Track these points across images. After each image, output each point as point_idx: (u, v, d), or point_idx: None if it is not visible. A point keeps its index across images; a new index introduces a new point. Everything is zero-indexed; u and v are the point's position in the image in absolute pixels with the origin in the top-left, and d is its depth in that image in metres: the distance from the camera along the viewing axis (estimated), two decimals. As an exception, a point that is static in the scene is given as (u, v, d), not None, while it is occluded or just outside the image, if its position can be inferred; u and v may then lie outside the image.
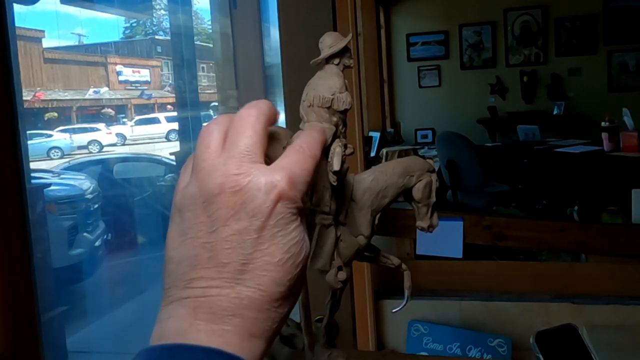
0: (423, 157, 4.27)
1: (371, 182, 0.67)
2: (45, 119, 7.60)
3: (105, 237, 4.32)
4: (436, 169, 0.74)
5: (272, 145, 0.65)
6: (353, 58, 0.67)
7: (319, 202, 0.64)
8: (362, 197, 0.67)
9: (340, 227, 0.66)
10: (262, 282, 0.35)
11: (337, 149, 0.63)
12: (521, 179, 3.66)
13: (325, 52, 0.66)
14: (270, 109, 0.42)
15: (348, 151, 0.67)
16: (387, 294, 1.57)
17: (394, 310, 0.77)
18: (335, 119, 0.65)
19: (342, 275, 0.64)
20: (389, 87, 5.68)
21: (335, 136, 0.65)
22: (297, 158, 0.40)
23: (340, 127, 0.66)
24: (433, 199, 0.68)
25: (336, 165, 0.62)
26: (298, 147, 0.41)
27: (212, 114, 5.69)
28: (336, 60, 0.65)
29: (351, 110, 0.65)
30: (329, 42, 0.66)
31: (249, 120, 0.39)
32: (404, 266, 0.73)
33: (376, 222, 0.68)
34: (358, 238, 0.67)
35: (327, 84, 0.65)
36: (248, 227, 0.35)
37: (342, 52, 0.65)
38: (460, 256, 1.46)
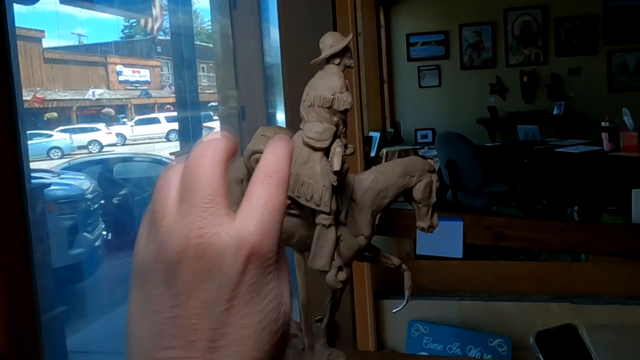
0: (423, 157, 4.26)
1: (371, 183, 0.67)
2: (45, 119, 7.60)
3: (105, 237, 4.32)
4: (436, 169, 0.72)
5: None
6: (353, 58, 0.66)
7: (320, 202, 0.64)
8: (363, 197, 0.67)
9: (341, 227, 0.66)
10: (236, 358, 0.31)
11: (337, 149, 0.62)
12: (521, 179, 3.66)
13: (325, 52, 0.66)
14: (228, 142, 0.35)
15: (348, 151, 0.66)
16: (387, 294, 1.57)
17: (394, 311, 0.77)
18: (335, 118, 0.65)
19: (342, 275, 0.64)
20: (389, 87, 5.68)
21: (335, 136, 0.65)
22: (263, 195, 0.33)
23: (341, 127, 0.66)
24: (433, 199, 0.68)
25: (336, 166, 0.62)
26: (263, 177, 0.34)
27: (212, 114, 5.69)
28: (337, 60, 0.65)
29: (351, 110, 0.65)
30: (330, 42, 0.66)
31: (206, 163, 0.33)
32: (404, 266, 0.73)
33: (376, 222, 0.68)
34: (358, 238, 0.67)
35: (328, 84, 0.64)
36: (217, 298, 0.31)
37: (343, 52, 0.65)
38: (460, 256, 1.46)
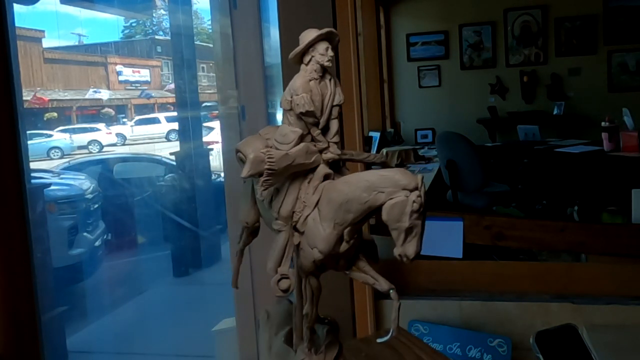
0: (423, 157, 4.25)
1: (334, 193, 0.61)
2: (45, 119, 7.59)
3: (105, 237, 4.32)
4: (420, 185, 0.57)
5: (253, 144, 0.64)
6: (332, 55, 0.61)
7: (273, 207, 0.62)
8: (325, 207, 0.61)
9: (301, 235, 0.63)
10: None
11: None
12: (521, 179, 3.65)
13: (293, 51, 0.63)
14: None
15: (326, 156, 0.63)
16: (387, 294, 1.57)
17: (378, 340, 0.72)
18: (302, 122, 0.61)
19: (284, 283, 0.61)
20: (389, 87, 5.67)
21: (301, 139, 0.61)
22: None
23: (313, 130, 0.62)
24: (405, 223, 0.56)
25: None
26: None
27: (207, 114, 5.68)
28: (306, 59, 0.62)
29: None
30: (301, 41, 0.63)
31: None
32: (393, 294, 0.66)
33: (347, 237, 0.60)
34: (313, 251, 0.61)
35: (289, 86, 0.62)
36: None
37: (314, 50, 0.62)
38: (460, 256, 1.46)
